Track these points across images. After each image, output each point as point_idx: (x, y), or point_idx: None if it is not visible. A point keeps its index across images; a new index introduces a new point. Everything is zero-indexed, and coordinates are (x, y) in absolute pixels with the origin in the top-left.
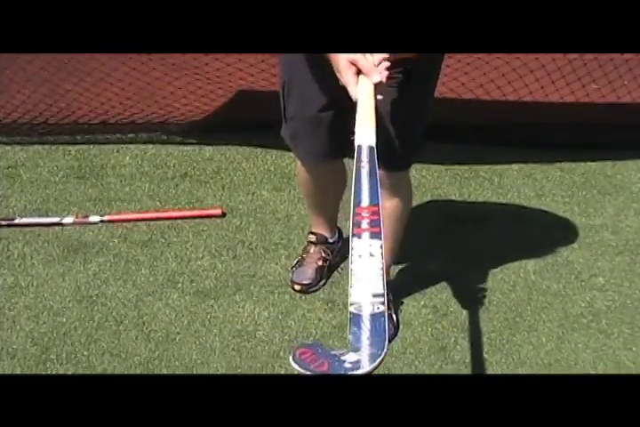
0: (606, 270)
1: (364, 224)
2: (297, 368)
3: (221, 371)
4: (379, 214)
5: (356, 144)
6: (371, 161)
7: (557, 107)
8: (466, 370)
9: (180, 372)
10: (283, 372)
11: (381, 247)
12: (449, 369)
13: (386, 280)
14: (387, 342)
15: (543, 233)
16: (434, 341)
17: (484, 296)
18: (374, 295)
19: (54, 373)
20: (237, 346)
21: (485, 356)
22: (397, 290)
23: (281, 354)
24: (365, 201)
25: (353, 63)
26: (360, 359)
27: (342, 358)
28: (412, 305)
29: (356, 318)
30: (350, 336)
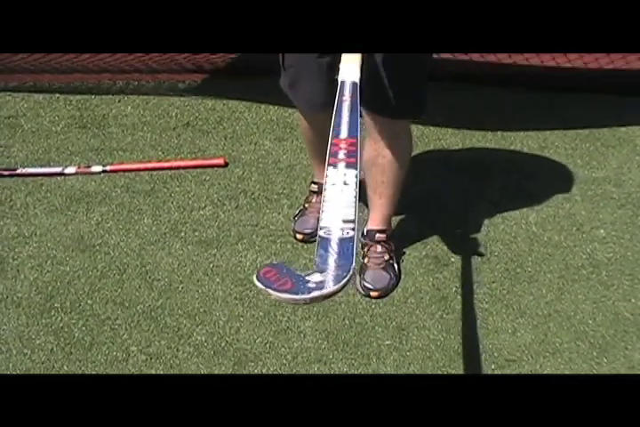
0: (608, 223)
1: (341, 155)
2: (260, 286)
3: (224, 319)
4: (356, 146)
5: (340, 79)
6: (353, 96)
7: (560, 61)
8: (466, 320)
9: (184, 320)
10: (285, 320)
11: (356, 177)
12: (449, 319)
13: (388, 231)
14: (353, 265)
15: (545, 185)
16: (435, 291)
17: (486, 247)
18: (345, 221)
19: (59, 320)
20: (240, 295)
21: (486, 306)
22: (399, 240)
23: (283, 303)
24: (344, 133)
25: None
26: (325, 280)
27: (307, 278)
28: (414, 255)
29: (324, 242)
30: (317, 258)
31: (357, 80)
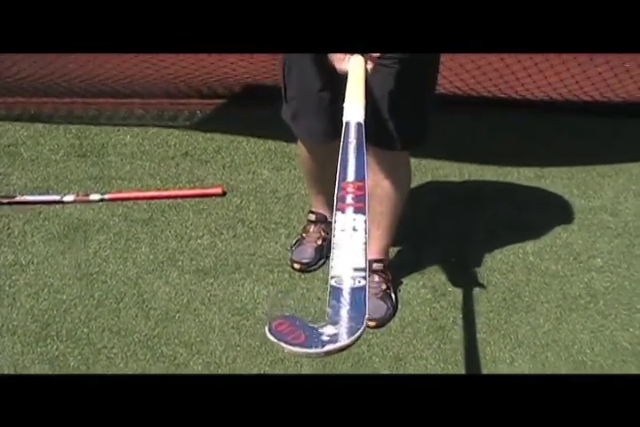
0: (605, 252)
1: (349, 199)
2: (273, 340)
3: (220, 349)
4: (364, 190)
5: (345, 120)
6: (358, 137)
7: (557, 86)
8: (463, 350)
9: (180, 349)
10: (282, 350)
11: (365, 222)
12: (447, 349)
13: (385, 260)
14: (366, 316)
15: (542, 214)
16: (432, 320)
17: (483, 276)
18: (355, 269)
19: (54, 349)
20: (237, 324)
21: (483, 336)
22: (396, 270)
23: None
24: (351, 177)
25: None
26: (338, 333)
27: (320, 330)
28: (411, 285)
29: (336, 292)
30: (329, 309)
31: (362, 121)
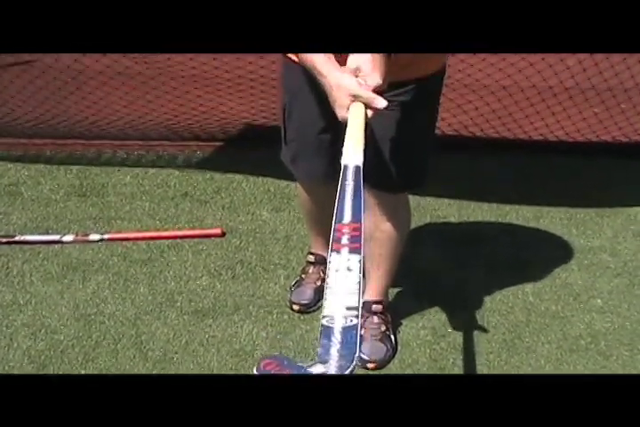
0: (605, 292)
1: (344, 240)
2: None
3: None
4: (360, 231)
5: (343, 163)
6: (356, 180)
7: (554, 129)
8: None
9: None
10: None
11: (360, 262)
12: None
13: (385, 302)
14: (356, 355)
15: (542, 254)
16: (432, 362)
17: (483, 317)
18: (348, 308)
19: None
20: (235, 366)
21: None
22: (396, 311)
23: None
24: (347, 218)
25: (352, 95)
26: (327, 371)
27: (309, 369)
28: (411, 326)
29: (327, 331)
30: (320, 349)
31: (360, 164)
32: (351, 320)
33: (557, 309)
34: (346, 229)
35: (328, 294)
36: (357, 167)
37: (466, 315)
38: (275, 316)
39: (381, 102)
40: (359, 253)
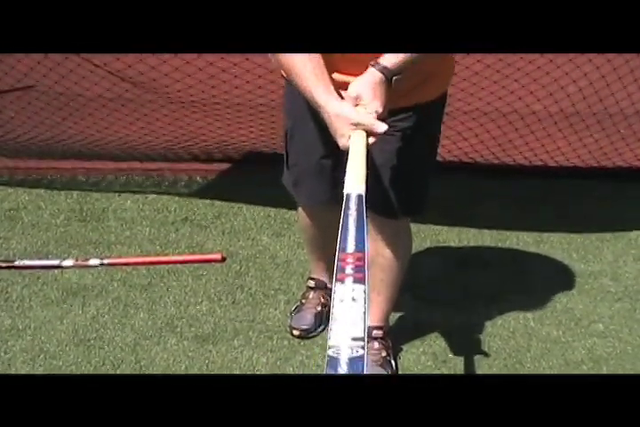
0: (606, 317)
1: (348, 270)
2: None
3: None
4: (364, 261)
5: (345, 193)
6: (358, 209)
7: (554, 155)
8: None
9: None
10: None
11: (364, 292)
12: None
13: (385, 327)
14: None
15: (542, 279)
16: None
17: (484, 343)
18: (354, 339)
19: None
20: None
21: None
22: (396, 336)
23: None
24: (351, 248)
25: (352, 123)
26: None
27: None
28: (411, 352)
29: (333, 362)
30: None
31: (363, 193)
32: (357, 351)
33: (558, 334)
34: (350, 259)
35: (333, 324)
36: (360, 196)
37: (467, 340)
38: (275, 341)
39: (382, 127)
40: (363, 284)
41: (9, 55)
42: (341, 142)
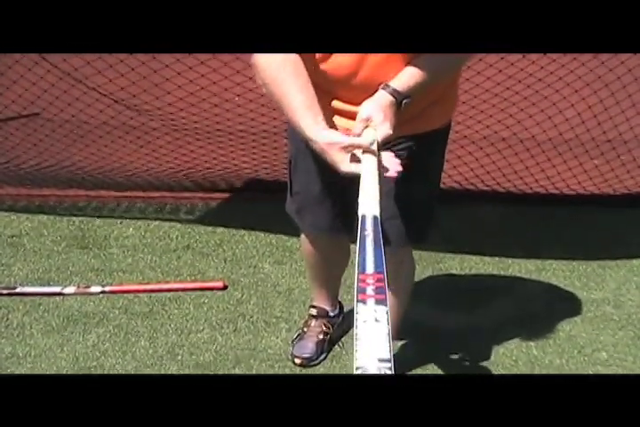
0: (609, 345)
1: (369, 290)
2: None
3: None
4: (384, 282)
5: (360, 214)
6: (375, 230)
7: (556, 182)
8: None
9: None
10: None
11: (387, 313)
12: None
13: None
14: None
15: (545, 307)
16: None
17: (487, 371)
18: (380, 360)
19: None
20: None
21: None
22: (399, 364)
23: None
24: (370, 268)
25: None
26: None
27: None
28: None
29: None
30: None
31: (378, 214)
32: (385, 372)
33: (562, 362)
34: (370, 280)
35: (359, 345)
36: (375, 217)
37: (469, 368)
38: (276, 370)
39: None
40: (385, 305)
41: (15, 83)
42: (341, 168)
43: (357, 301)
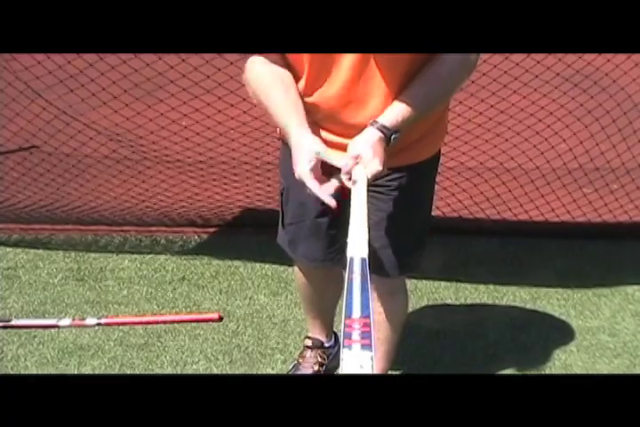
0: (605, 373)
1: (355, 335)
2: None
3: None
4: (370, 326)
5: (349, 256)
6: (362, 273)
7: (545, 211)
8: None
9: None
10: None
11: (372, 359)
12: None
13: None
14: None
15: (540, 337)
16: None
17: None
18: None
19: None
20: None
21: None
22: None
23: None
24: (357, 313)
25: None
26: None
27: None
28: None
29: None
30: None
31: (366, 256)
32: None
33: None
34: (356, 325)
35: None
36: (363, 260)
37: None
38: None
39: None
40: (370, 350)
41: (17, 116)
42: (298, 169)
43: (343, 346)
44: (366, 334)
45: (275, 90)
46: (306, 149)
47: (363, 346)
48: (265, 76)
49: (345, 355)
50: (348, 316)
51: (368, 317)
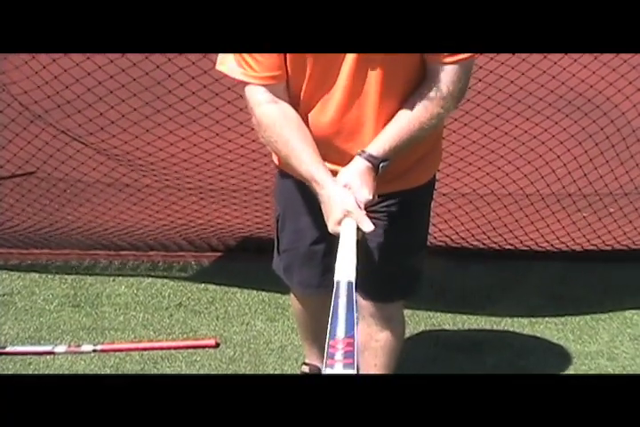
0: None
1: (338, 355)
2: None
3: None
4: (353, 346)
5: (335, 280)
6: (348, 296)
7: (545, 233)
8: None
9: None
10: None
11: None
12: None
13: None
14: None
15: (538, 361)
16: None
17: None
18: None
19: None
20: None
21: None
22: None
23: None
24: (341, 333)
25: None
26: None
27: None
28: None
29: None
30: None
31: (353, 280)
32: None
33: None
34: (339, 345)
35: None
36: (350, 283)
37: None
38: None
39: (368, 226)
40: (353, 368)
41: (11, 142)
42: (330, 226)
43: (326, 366)
44: (349, 354)
45: (293, 138)
46: (339, 207)
47: (345, 365)
48: (276, 122)
49: (327, 374)
50: (332, 337)
51: (352, 337)
